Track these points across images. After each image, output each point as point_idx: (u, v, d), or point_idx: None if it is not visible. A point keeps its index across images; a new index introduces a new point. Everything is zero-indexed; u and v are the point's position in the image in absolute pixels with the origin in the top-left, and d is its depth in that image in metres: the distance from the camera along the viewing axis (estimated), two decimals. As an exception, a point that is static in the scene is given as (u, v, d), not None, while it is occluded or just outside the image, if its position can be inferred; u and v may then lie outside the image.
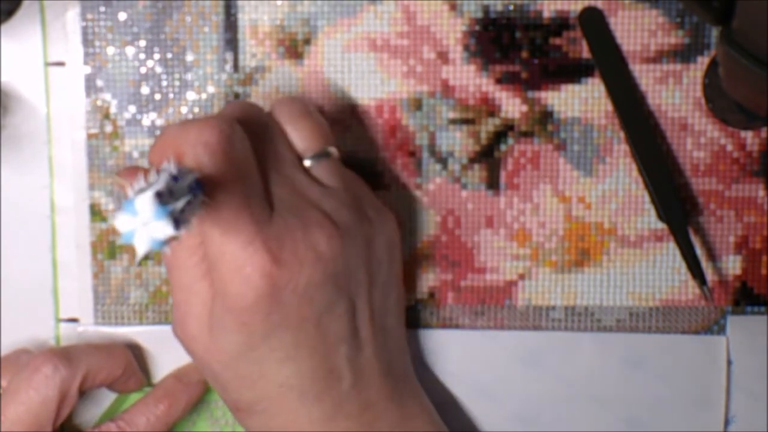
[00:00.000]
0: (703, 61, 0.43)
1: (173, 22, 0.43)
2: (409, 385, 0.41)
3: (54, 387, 0.39)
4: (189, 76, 0.44)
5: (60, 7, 0.43)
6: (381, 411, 0.39)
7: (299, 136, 0.39)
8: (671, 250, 0.44)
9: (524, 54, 0.43)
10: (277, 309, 0.35)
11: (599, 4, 0.43)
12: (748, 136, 0.44)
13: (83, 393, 0.41)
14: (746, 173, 0.44)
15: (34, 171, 0.44)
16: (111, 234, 0.44)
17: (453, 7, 0.43)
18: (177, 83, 0.44)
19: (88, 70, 0.44)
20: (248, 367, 0.37)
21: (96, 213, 0.44)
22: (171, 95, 0.44)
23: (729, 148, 0.44)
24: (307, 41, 0.43)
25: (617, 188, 0.44)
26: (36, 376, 0.39)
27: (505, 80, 0.44)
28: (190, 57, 0.44)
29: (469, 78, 0.44)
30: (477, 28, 0.43)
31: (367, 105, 0.44)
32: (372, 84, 0.44)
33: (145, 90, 0.44)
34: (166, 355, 0.45)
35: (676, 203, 0.43)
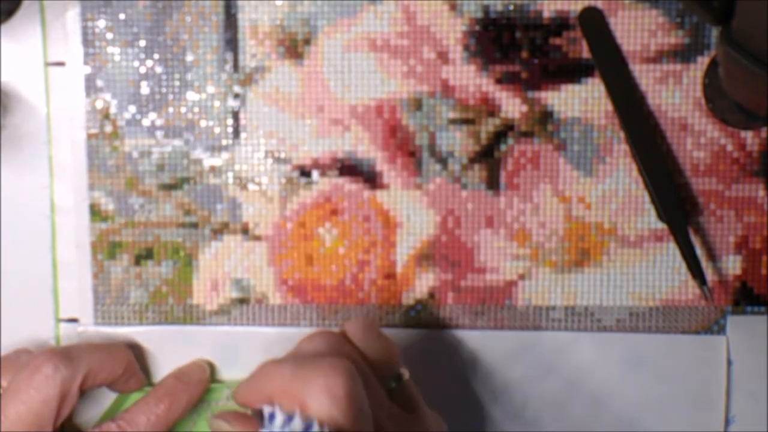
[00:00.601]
0: (703, 61, 0.43)
1: (173, 22, 0.43)
2: None
3: (55, 386, 0.39)
4: (189, 76, 0.44)
5: (60, 7, 0.43)
6: None
7: (377, 359, 0.37)
8: (671, 250, 0.44)
9: (524, 54, 0.43)
10: None
11: (599, 4, 0.43)
12: (748, 136, 0.44)
13: (84, 392, 0.41)
14: (746, 173, 0.44)
15: (34, 171, 0.44)
16: (111, 234, 0.44)
17: (453, 7, 0.43)
18: (177, 83, 0.44)
19: (88, 70, 0.44)
20: None
21: (96, 213, 0.44)
22: (171, 95, 0.44)
23: (729, 148, 0.44)
24: (307, 41, 0.43)
25: (617, 188, 0.44)
26: (37, 376, 0.39)
27: (505, 80, 0.44)
28: (190, 57, 0.44)
29: (469, 78, 0.44)
30: (477, 28, 0.43)
31: (367, 105, 0.44)
32: (372, 84, 0.44)
33: (145, 90, 0.44)
34: (166, 355, 0.45)
35: (676, 203, 0.43)
